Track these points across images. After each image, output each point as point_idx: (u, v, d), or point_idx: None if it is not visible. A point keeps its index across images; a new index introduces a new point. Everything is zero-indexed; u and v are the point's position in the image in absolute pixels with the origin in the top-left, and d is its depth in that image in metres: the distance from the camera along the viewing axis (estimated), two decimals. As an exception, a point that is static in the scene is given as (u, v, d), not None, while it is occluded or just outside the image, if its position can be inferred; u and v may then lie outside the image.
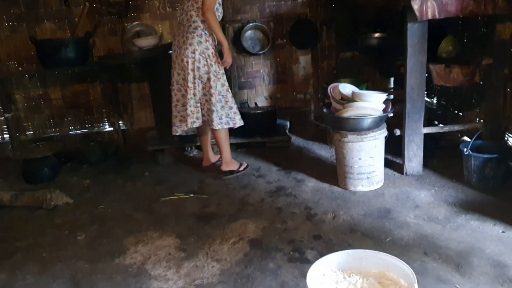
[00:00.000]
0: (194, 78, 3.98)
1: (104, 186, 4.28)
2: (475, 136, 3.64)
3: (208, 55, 3.96)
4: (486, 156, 3.50)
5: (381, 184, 3.79)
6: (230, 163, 4.29)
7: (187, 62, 3.94)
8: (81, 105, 5.43)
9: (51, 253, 3.14)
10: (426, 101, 4.91)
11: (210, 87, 3.99)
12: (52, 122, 5.43)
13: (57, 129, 5.44)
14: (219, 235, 3.19)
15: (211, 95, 4.01)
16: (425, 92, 3.90)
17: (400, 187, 3.73)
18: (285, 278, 2.65)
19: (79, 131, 5.51)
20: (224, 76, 4.09)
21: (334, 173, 3.95)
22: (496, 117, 3.86)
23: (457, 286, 2.46)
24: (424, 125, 3.88)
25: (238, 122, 4.21)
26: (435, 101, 5.01)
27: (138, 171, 4.58)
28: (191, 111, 4.05)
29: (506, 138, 3.91)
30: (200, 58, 3.94)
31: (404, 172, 3.94)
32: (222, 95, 4.07)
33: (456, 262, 2.67)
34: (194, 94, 4.03)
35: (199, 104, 4.09)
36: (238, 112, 4.21)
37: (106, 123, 5.51)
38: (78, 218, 3.64)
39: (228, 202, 3.72)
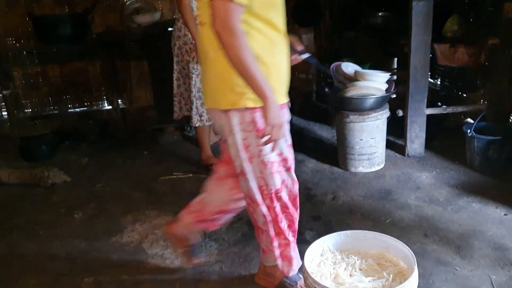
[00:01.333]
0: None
1: (102, 164, 4.24)
2: (479, 118, 3.58)
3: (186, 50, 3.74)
4: (489, 138, 3.44)
5: (382, 166, 3.74)
6: (208, 159, 3.95)
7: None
8: (79, 83, 5.37)
9: (48, 231, 3.11)
10: (430, 82, 4.84)
11: (189, 83, 3.80)
12: (51, 100, 5.38)
13: (56, 107, 5.39)
14: (218, 215, 3.16)
15: (190, 91, 3.81)
16: (429, 73, 3.83)
17: (401, 169, 3.69)
18: (283, 258, 2.62)
19: (78, 110, 5.46)
20: None
21: (334, 154, 3.90)
22: (500, 99, 3.79)
23: (457, 268, 2.43)
24: (427, 106, 3.83)
25: None
26: (439, 82, 4.94)
27: (137, 150, 4.53)
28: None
29: (510, 120, 3.85)
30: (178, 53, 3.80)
31: (406, 154, 3.89)
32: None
33: (457, 244, 2.64)
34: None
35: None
36: None
37: (105, 102, 5.46)
38: (76, 196, 3.61)
39: (227, 182, 3.68)
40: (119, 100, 5.35)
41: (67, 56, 5.23)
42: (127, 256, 2.75)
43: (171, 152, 4.47)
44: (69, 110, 5.44)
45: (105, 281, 2.53)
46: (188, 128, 4.92)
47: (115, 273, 2.59)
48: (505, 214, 2.93)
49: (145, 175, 3.94)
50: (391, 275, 1.75)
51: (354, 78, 3.70)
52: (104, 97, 5.45)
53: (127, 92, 5.41)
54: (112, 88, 5.30)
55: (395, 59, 5.17)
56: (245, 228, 2.96)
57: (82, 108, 5.46)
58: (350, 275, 1.77)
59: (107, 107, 5.44)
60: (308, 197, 3.33)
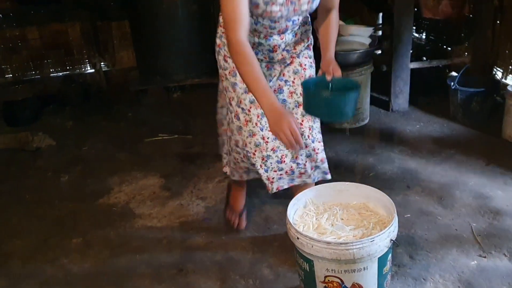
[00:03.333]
0: None
1: (87, 127, 4.21)
2: (462, 70, 3.58)
3: None
4: (472, 90, 3.46)
5: (366, 121, 3.76)
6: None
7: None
8: (60, 45, 5.23)
9: (34, 194, 3.11)
10: (415, 36, 4.81)
11: None
12: (32, 64, 5.25)
13: (37, 71, 5.27)
14: (204, 174, 3.18)
15: None
16: (414, 27, 3.80)
17: (385, 123, 3.71)
18: (269, 213, 2.67)
19: (60, 73, 5.34)
20: None
21: (320, 111, 3.90)
22: (484, 51, 3.79)
23: (439, 217, 2.49)
24: (412, 61, 3.82)
25: None
26: (423, 37, 4.91)
27: (121, 112, 4.49)
28: None
29: (494, 72, 3.86)
30: None
31: (390, 109, 3.90)
32: None
33: (439, 194, 2.69)
34: None
35: None
36: None
37: (88, 64, 5.35)
38: (61, 160, 3.59)
39: (213, 142, 3.64)
40: (102, 62, 5.26)
41: (45, 18, 5.07)
42: (115, 216, 2.78)
43: (156, 113, 4.44)
44: (52, 74, 5.33)
45: (94, 241, 2.56)
46: (173, 89, 4.87)
47: (103, 233, 2.62)
48: (486, 164, 2.98)
49: (130, 137, 3.92)
50: (371, 223, 1.78)
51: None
52: (86, 60, 5.34)
53: (109, 54, 5.32)
54: (93, 50, 5.19)
55: (380, 14, 5.11)
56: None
57: (64, 72, 5.34)
58: (332, 225, 1.80)
59: (90, 70, 5.34)
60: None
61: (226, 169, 2.45)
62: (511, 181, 2.77)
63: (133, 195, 2.99)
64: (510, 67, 3.73)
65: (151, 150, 3.64)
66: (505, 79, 3.78)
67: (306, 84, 1.98)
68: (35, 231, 2.69)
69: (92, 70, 5.28)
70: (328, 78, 1.97)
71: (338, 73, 1.98)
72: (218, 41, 2.10)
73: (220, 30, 2.08)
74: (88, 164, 3.49)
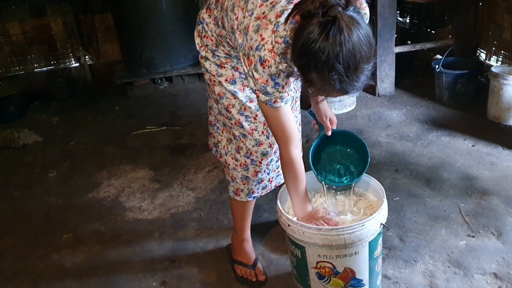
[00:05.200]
0: None
1: (73, 122, 4.18)
2: (446, 52, 3.60)
3: None
4: (457, 72, 3.48)
5: (353, 107, 3.77)
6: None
7: None
8: (43, 40, 5.18)
9: (23, 191, 3.09)
10: (399, 21, 4.82)
11: None
12: (15, 60, 5.19)
13: (21, 67, 5.21)
14: (193, 165, 3.17)
15: None
16: (397, 11, 3.81)
17: (372, 108, 3.73)
18: (260, 201, 2.66)
19: (45, 68, 5.29)
20: None
21: (307, 99, 3.90)
22: (467, 33, 3.82)
23: (427, 199, 2.51)
24: (396, 45, 3.83)
25: None
26: (407, 21, 4.93)
27: (107, 106, 4.47)
28: None
29: (477, 54, 3.89)
30: None
31: (377, 93, 3.92)
32: None
33: (427, 177, 2.72)
34: None
35: None
36: None
37: (72, 59, 5.30)
38: (49, 156, 3.57)
39: (201, 132, 3.67)
40: (86, 56, 5.21)
41: (27, 12, 5.01)
42: (105, 210, 2.77)
43: (143, 105, 4.42)
44: (36, 70, 5.27)
45: (85, 235, 2.55)
46: (159, 81, 4.85)
47: (94, 228, 2.61)
48: (472, 145, 3.01)
49: (117, 130, 3.90)
50: (362, 209, 1.80)
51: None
52: (71, 54, 5.29)
53: (93, 47, 5.27)
54: (77, 44, 5.14)
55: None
56: (221, 175, 2.99)
57: (48, 67, 5.29)
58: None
59: (75, 64, 5.29)
60: (282, 141, 3.36)
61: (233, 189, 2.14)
62: (497, 161, 2.81)
63: (123, 189, 2.98)
64: (494, 48, 3.77)
65: (139, 143, 3.62)
66: (489, 60, 3.82)
67: (313, 156, 1.88)
68: (25, 228, 2.67)
69: (77, 64, 5.24)
70: (328, 133, 1.89)
71: (335, 121, 1.92)
72: (203, 53, 1.87)
73: (203, 43, 1.86)
74: (76, 159, 3.47)
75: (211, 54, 1.84)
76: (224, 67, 1.83)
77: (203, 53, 1.87)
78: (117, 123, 4.06)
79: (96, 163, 3.35)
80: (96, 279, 2.22)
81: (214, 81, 1.85)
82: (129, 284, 2.16)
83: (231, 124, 1.90)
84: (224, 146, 2.02)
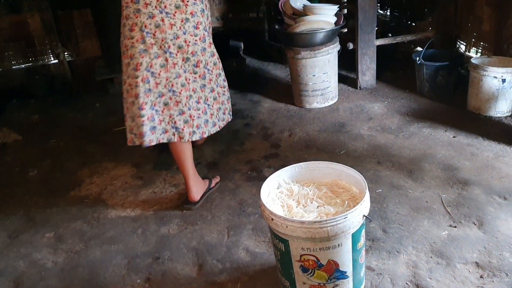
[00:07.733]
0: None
1: (53, 120, 4.12)
2: (427, 44, 3.63)
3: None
4: (437, 64, 3.51)
5: (335, 100, 3.78)
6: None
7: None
8: (21, 37, 5.07)
9: (2, 190, 3.04)
10: (380, 13, 4.84)
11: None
12: (-9, 57, 5.09)
13: (-2, 65, 5.11)
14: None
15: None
16: (378, 4, 3.82)
17: (354, 101, 3.74)
18: (243, 196, 2.67)
19: (23, 66, 5.19)
20: None
21: (289, 92, 3.91)
22: (447, 25, 3.85)
23: (409, 191, 2.53)
24: (377, 38, 3.84)
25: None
26: (388, 13, 4.95)
27: (88, 103, 4.41)
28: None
29: (457, 46, 3.93)
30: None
31: (358, 86, 3.94)
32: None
33: (409, 168, 2.74)
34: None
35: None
36: None
37: (51, 55, 5.20)
38: (29, 154, 3.51)
39: (183, 127, 3.65)
40: (65, 53, 5.12)
41: (2, 9, 4.90)
42: (87, 208, 2.73)
43: (124, 102, 4.36)
44: (13, 67, 5.17)
45: (67, 234, 2.52)
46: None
47: (76, 226, 2.58)
48: (453, 136, 3.05)
49: (98, 127, 3.86)
50: (346, 201, 1.80)
51: (303, 13, 3.65)
52: (49, 51, 5.19)
53: (72, 44, 5.18)
54: (56, 40, 5.05)
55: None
56: (205, 171, 2.98)
57: (27, 64, 5.19)
58: (304, 206, 1.82)
59: (54, 60, 5.20)
60: (265, 136, 3.36)
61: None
62: (477, 152, 2.84)
63: (105, 186, 2.95)
64: (473, 40, 3.80)
65: (120, 140, 3.56)
66: (469, 51, 3.86)
67: None
68: (6, 228, 2.63)
69: (56, 61, 5.14)
70: None
71: None
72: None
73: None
74: (57, 157, 3.42)
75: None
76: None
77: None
78: (98, 120, 4.01)
79: (78, 161, 3.30)
80: (79, 277, 2.19)
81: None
82: (113, 282, 2.14)
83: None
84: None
